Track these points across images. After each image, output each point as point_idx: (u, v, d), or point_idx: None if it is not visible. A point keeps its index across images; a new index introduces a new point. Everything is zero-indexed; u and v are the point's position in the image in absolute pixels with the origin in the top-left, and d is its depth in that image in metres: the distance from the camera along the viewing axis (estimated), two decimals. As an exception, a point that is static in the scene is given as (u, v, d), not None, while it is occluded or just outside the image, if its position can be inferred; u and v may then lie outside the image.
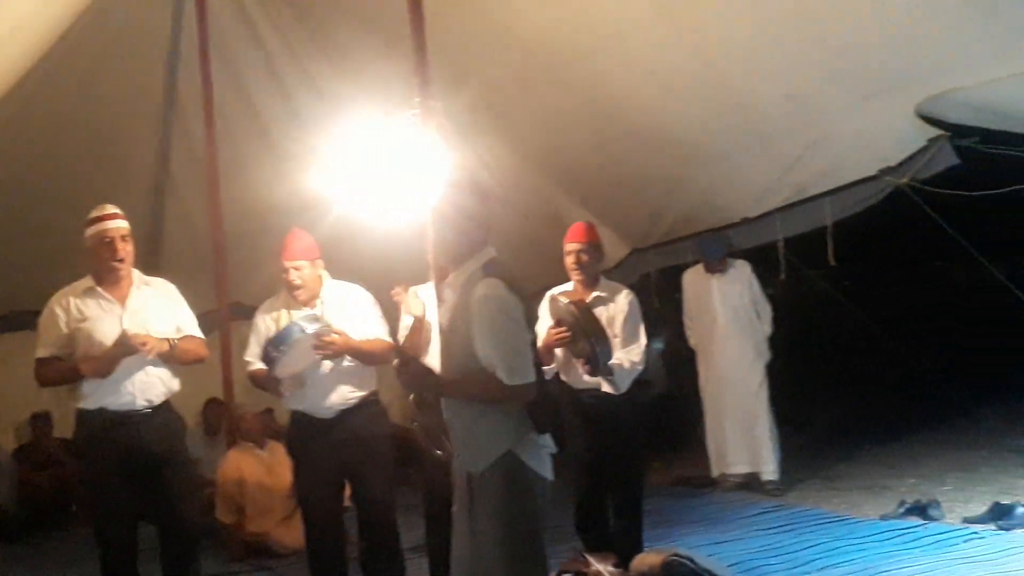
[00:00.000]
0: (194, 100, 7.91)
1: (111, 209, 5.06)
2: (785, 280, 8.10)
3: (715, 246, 7.96)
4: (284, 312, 5.35)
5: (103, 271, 5.00)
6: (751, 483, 8.02)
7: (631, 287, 6.70)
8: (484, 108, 6.94)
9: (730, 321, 8.02)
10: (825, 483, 8.05)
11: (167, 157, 8.68)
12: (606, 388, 5.44)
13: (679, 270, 8.70)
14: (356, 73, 7.35)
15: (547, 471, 3.66)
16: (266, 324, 5.39)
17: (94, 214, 5.05)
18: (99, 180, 8.29)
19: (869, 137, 6.50)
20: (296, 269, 5.27)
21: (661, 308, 8.86)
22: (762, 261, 8.20)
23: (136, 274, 5.11)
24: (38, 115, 7.34)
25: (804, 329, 11.55)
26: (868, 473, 8.26)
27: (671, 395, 9.93)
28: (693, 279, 8.24)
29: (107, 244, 4.95)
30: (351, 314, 5.29)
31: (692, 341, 8.36)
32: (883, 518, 6.74)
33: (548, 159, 8.07)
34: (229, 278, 7.66)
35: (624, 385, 5.46)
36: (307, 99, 7.91)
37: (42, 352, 4.96)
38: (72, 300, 4.97)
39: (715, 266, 8.05)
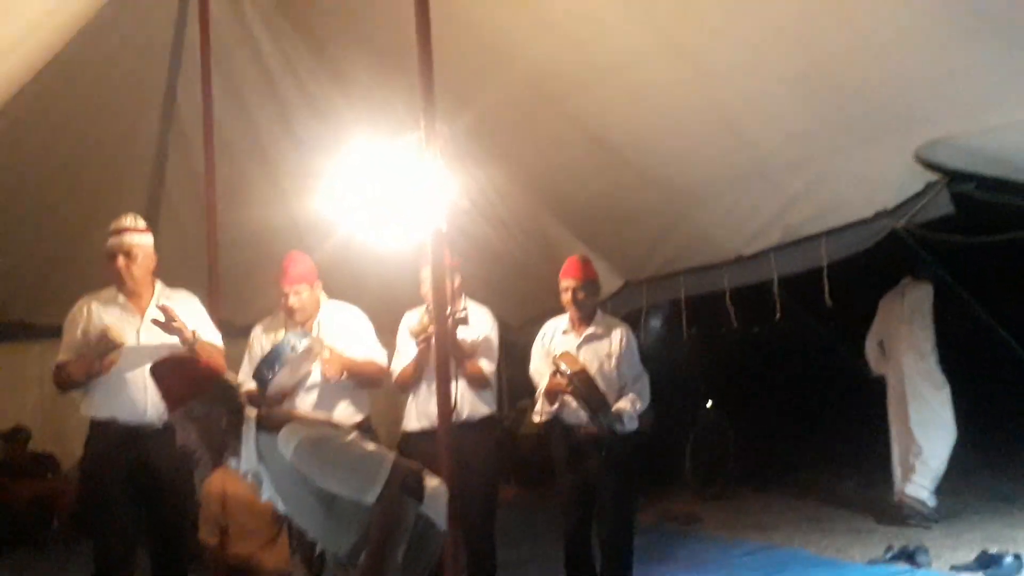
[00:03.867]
0: (193, 116, 7.86)
1: (123, 223, 4.98)
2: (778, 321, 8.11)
3: (929, 265, 8.02)
4: (282, 333, 5.33)
5: (116, 282, 4.93)
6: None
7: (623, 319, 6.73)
8: (485, 135, 6.92)
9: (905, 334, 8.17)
10: (812, 524, 8.04)
11: (164, 170, 8.65)
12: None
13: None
14: (359, 96, 7.36)
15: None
16: (262, 345, 5.37)
17: (111, 226, 4.97)
18: (91, 192, 8.26)
19: (867, 179, 6.48)
20: (296, 294, 5.26)
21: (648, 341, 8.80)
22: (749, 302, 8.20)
23: (159, 286, 5.07)
24: (35, 124, 7.29)
25: (796, 370, 11.61)
26: (853, 515, 8.23)
27: (655, 428, 9.87)
28: (889, 300, 8.30)
29: (110, 259, 4.91)
30: (346, 334, 5.26)
31: (875, 366, 8.37)
32: (871, 563, 6.72)
33: (546, 189, 8.06)
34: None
35: (632, 426, 5.43)
36: (308, 121, 7.88)
37: (61, 356, 4.89)
38: (94, 306, 4.92)
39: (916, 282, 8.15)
